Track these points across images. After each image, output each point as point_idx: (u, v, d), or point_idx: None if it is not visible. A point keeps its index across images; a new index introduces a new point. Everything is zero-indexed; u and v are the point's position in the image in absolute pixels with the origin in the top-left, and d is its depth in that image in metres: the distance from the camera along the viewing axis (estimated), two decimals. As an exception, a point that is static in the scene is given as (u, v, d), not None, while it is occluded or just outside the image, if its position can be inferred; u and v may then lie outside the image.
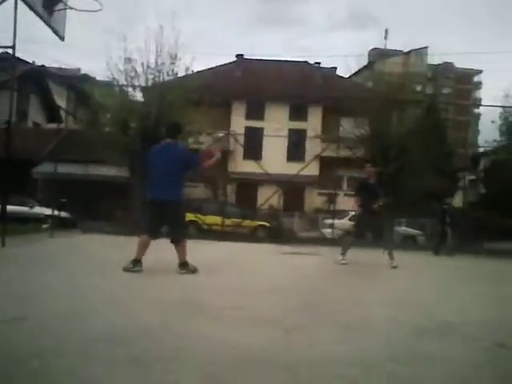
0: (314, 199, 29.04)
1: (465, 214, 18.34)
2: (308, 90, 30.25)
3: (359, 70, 33.80)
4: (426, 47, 50.13)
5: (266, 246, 13.82)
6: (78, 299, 4.36)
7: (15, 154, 10.27)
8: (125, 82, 17.98)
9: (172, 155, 6.32)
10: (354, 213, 11.12)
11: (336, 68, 38.20)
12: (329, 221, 20.11)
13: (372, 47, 47.32)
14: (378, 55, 47.76)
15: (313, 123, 30.23)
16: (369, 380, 2.66)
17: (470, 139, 52.12)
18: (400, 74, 24.72)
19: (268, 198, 21.81)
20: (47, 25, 9.86)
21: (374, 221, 9.07)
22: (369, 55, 40.72)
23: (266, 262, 9.39)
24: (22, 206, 17.26)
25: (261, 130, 28.84)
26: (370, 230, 9.74)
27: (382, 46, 56.91)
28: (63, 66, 31.54)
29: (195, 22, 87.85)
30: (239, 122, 29.08)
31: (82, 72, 29.68)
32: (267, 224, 19.53)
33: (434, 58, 52.08)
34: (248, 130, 28.86)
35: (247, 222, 19.24)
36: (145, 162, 6.90)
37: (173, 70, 17.96)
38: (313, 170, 26.95)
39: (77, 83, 27.26)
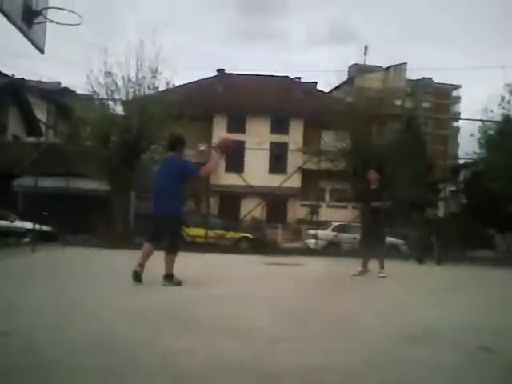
0: (296, 211, 29.15)
1: (448, 223, 18.57)
2: (289, 103, 30.48)
3: (339, 85, 34.08)
4: (404, 63, 50.80)
5: (250, 257, 13.77)
6: (59, 312, 4.30)
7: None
8: (105, 96, 17.86)
9: (171, 168, 6.46)
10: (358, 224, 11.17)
11: (316, 83, 38.53)
12: (312, 231, 20.14)
13: (352, 63, 47.92)
14: (358, 71, 48.27)
15: (294, 136, 30.43)
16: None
17: (450, 152, 52.85)
18: (380, 90, 25.10)
19: (251, 209, 21.79)
20: (27, 38, 9.76)
21: (374, 228, 9.23)
22: (349, 71, 41.12)
23: (250, 273, 9.34)
24: (3, 219, 17.03)
25: (242, 143, 28.90)
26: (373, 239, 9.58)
27: (362, 62, 57.60)
28: (43, 80, 31.27)
29: (176, 36, 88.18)
30: (221, 136, 29.02)
31: (63, 85, 29.41)
32: (250, 236, 19.52)
33: (412, 74, 52.81)
34: (229, 143, 28.86)
35: (230, 234, 19.24)
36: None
37: (154, 84, 17.85)
38: (295, 182, 27.09)
39: (57, 97, 27.03)
